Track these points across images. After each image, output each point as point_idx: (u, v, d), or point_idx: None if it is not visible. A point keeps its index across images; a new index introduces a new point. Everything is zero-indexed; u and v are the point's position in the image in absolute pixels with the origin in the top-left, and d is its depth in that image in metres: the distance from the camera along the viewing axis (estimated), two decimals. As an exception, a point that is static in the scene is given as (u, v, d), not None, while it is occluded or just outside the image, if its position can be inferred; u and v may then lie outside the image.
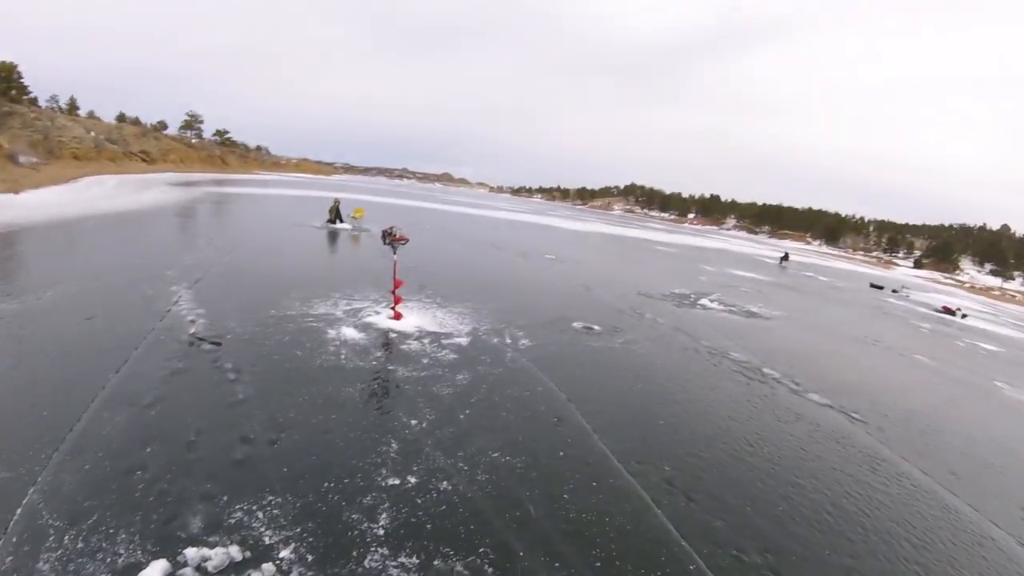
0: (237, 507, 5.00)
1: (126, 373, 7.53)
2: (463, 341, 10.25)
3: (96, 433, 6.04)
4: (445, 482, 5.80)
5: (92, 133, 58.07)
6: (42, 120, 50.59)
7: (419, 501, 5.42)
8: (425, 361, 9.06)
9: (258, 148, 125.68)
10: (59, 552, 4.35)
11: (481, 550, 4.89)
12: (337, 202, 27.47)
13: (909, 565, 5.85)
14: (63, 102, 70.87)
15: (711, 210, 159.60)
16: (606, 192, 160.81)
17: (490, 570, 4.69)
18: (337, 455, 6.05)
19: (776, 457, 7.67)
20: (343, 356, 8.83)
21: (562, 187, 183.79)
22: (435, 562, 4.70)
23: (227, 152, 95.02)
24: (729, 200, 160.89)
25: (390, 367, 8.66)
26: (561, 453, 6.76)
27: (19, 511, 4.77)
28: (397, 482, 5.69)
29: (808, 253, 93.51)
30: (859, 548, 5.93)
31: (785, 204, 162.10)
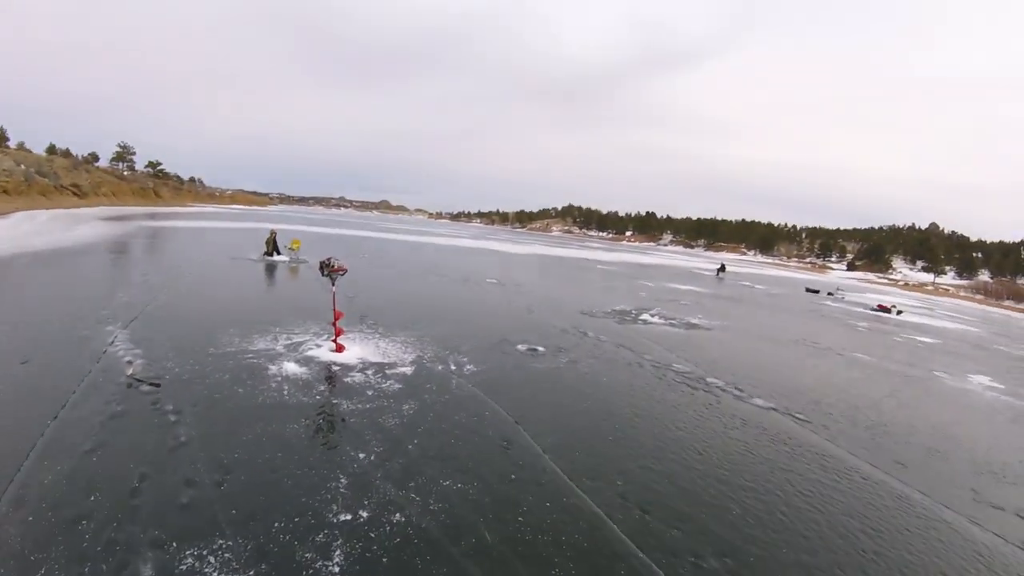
0: (187, 552, 4.90)
1: (64, 419, 7.29)
2: (407, 370, 10.25)
3: (38, 482, 5.83)
4: (398, 514, 5.79)
5: (22, 166, 56.40)
6: None
7: (373, 535, 5.39)
8: (370, 392, 9.02)
9: (192, 180, 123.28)
10: None
11: (439, 581, 4.85)
12: (273, 234, 27.05)
13: (866, 555, 6.10)
14: None
15: (648, 227, 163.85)
16: (544, 214, 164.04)
17: (451, 600, 4.71)
18: (286, 494, 5.96)
19: (726, 463, 7.90)
20: (286, 392, 8.72)
21: (501, 211, 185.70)
22: (394, 595, 4.70)
23: (160, 184, 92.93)
24: (665, 216, 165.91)
25: (334, 401, 8.60)
26: (513, 476, 6.83)
27: None
28: (349, 517, 5.66)
29: (744, 263, 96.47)
30: (815, 544, 6.16)
31: (720, 218, 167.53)
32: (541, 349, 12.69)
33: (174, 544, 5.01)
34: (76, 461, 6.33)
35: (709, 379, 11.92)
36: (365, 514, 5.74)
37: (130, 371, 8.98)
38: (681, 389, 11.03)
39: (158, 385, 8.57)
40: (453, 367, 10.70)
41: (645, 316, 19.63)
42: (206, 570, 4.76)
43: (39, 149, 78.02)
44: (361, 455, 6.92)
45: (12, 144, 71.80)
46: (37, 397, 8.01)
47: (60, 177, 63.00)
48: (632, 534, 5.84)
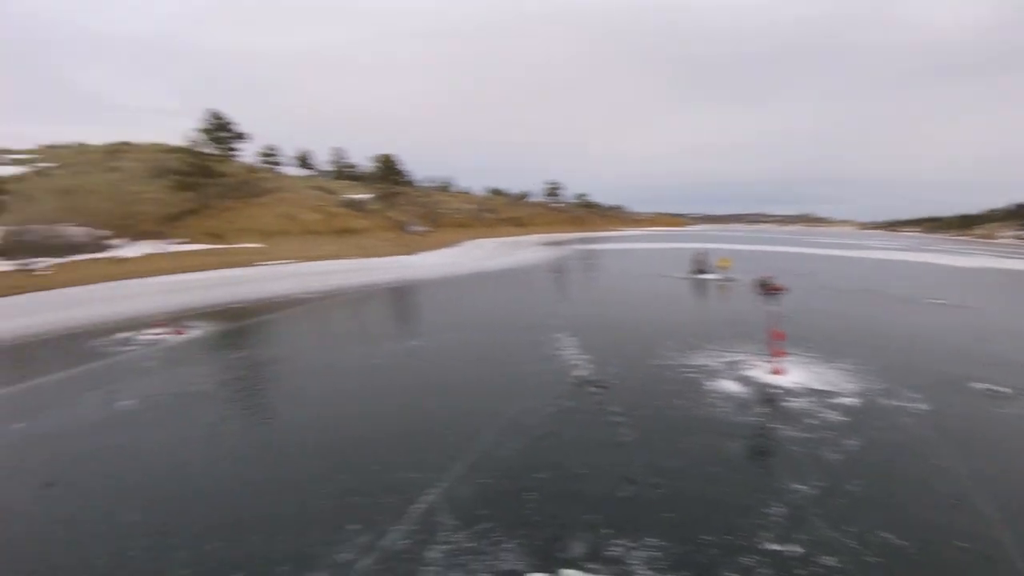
0: (617, 542, 5.05)
1: (520, 407, 8.43)
2: (850, 401, 9.17)
3: (494, 455, 6.82)
4: (830, 558, 5.06)
5: (468, 206, 68.08)
6: (424, 197, 61.74)
7: (801, 574, 4.85)
8: (810, 422, 8.27)
9: (615, 207, 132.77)
10: (448, 546, 4.96)
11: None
12: (702, 253, 27.41)
13: None
14: (439, 181, 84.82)
15: None
16: (989, 217, 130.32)
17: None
18: (718, 509, 5.73)
19: None
20: (724, 409, 8.52)
21: (937, 216, 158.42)
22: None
23: (587, 213, 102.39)
24: None
25: (772, 425, 8.09)
26: (958, 543, 5.51)
27: (419, 505, 5.62)
28: (778, 548, 5.15)
29: None
30: None
31: None
32: (1005, 391, 10.08)
33: (606, 531, 5.22)
34: (528, 443, 7.20)
35: None
36: (797, 549, 5.16)
37: (579, 373, 9.97)
38: None
39: (604, 388, 9.28)
40: (900, 403, 9.23)
41: None
42: (630, 562, 4.83)
43: (479, 191, 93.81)
44: (799, 486, 6.33)
45: (456, 189, 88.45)
46: (496, 387, 9.55)
47: (500, 212, 74.20)
48: None
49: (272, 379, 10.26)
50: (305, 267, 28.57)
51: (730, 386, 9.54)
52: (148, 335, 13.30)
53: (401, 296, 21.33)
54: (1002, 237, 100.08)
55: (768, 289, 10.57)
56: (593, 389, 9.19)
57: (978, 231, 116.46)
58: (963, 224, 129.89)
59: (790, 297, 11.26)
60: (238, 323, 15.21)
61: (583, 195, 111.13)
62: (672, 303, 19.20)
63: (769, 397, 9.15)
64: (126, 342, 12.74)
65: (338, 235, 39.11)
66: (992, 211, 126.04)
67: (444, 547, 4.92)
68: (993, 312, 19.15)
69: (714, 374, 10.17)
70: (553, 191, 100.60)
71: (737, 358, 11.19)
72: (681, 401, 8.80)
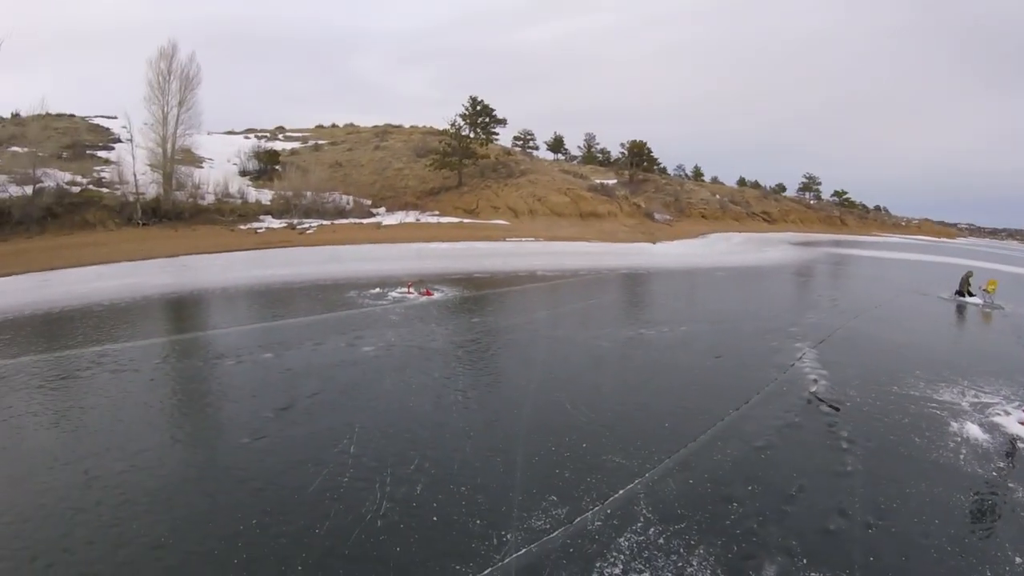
0: (811, 573, 4.92)
1: (744, 413, 8.40)
2: (1106, 470, 7.85)
3: (706, 456, 6.92)
4: None
5: (716, 196, 65.86)
6: (672, 185, 60.96)
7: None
8: (1054, 485, 7.25)
9: (877, 208, 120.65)
10: (640, 538, 5.18)
11: None
12: (970, 273, 24.14)
13: None
14: (688, 171, 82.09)
15: None
16: None
17: None
18: (928, 565, 5.31)
19: None
20: (962, 456, 7.68)
21: None
22: None
23: (845, 213, 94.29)
24: None
25: (1010, 484, 7.18)
26: None
27: (621, 492, 5.91)
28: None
29: None
30: None
31: None
32: None
33: (804, 560, 5.08)
34: (745, 451, 7.18)
35: None
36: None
37: (813, 388, 9.63)
38: None
39: (838, 409, 8.87)
40: None
41: None
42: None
43: (731, 182, 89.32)
44: (1018, 559, 5.58)
45: (707, 179, 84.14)
46: (723, 388, 9.50)
47: (751, 205, 70.60)
48: None
49: (502, 347, 11.15)
50: (548, 246, 29.91)
51: (974, 431, 8.56)
52: (398, 293, 14.97)
53: (636, 283, 21.65)
54: None
55: None
56: (825, 409, 8.82)
57: None
58: None
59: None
60: (479, 291, 16.56)
61: (842, 192, 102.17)
62: (926, 325, 17.40)
63: (1013, 451, 8.11)
64: (377, 297, 14.51)
65: (582, 218, 40.19)
66: None
67: (634, 538, 5.16)
68: None
69: (959, 415, 9.16)
70: (809, 186, 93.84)
71: (988, 400, 9.96)
72: (919, 439, 8.11)
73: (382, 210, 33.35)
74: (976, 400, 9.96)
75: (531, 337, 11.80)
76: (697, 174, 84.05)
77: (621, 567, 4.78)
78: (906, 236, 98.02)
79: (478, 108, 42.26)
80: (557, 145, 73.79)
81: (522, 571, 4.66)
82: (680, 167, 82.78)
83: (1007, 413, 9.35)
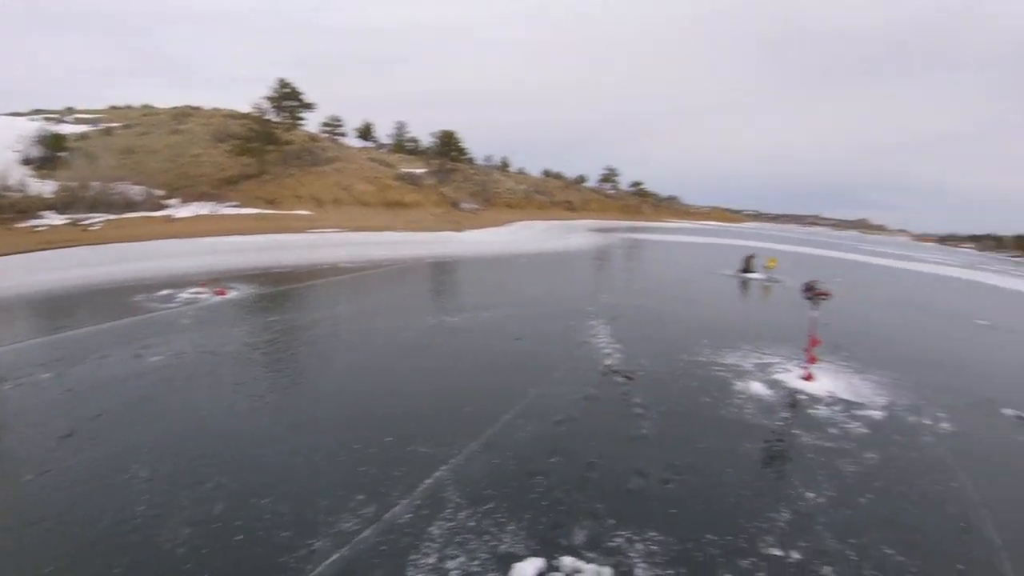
0: (619, 533, 5.12)
1: (544, 391, 8.54)
2: (876, 415, 9.00)
3: (509, 435, 6.94)
4: (828, 568, 5.05)
5: (522, 186, 68.08)
6: (480, 175, 62.21)
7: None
8: (832, 431, 8.17)
9: (670, 198, 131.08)
10: (451, 523, 5.07)
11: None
12: (752, 255, 26.92)
13: None
14: (496, 161, 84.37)
15: None
16: None
17: None
18: (725, 509, 5.74)
19: None
20: (747, 411, 8.47)
21: (995, 235, 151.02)
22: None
23: (641, 202, 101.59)
24: None
25: (794, 431, 8.01)
26: (959, 567, 5.40)
27: (429, 480, 5.75)
28: (779, 554, 5.13)
29: None
30: None
31: None
32: None
33: (610, 521, 5.29)
34: (547, 427, 7.30)
35: None
36: (795, 555, 5.14)
37: (608, 362, 10.02)
38: None
39: (631, 378, 9.31)
40: (926, 421, 9.03)
41: None
42: (630, 554, 4.90)
43: (536, 173, 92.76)
44: (809, 494, 6.27)
45: (514, 169, 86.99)
46: (523, 368, 9.63)
47: (554, 195, 74.04)
48: None
49: (303, 345, 10.51)
50: (353, 237, 29.01)
51: (758, 388, 9.47)
52: (189, 293, 13.75)
53: (443, 272, 21.61)
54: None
55: (813, 293, 10.43)
56: (619, 379, 9.21)
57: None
58: (1021, 245, 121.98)
59: (835, 304, 11.08)
60: (278, 287, 15.62)
61: (638, 183, 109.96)
62: (712, 299, 19.09)
63: (794, 403, 9.08)
64: (167, 299, 13.19)
65: (389, 207, 39.53)
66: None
67: (445, 524, 5.03)
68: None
69: (743, 375, 10.10)
70: (608, 177, 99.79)
71: (770, 360, 11.08)
72: (707, 399, 8.78)
73: (176, 201, 30.19)
74: (759, 361, 11.00)
75: (333, 332, 11.29)
76: (504, 165, 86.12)
77: (435, 556, 4.61)
78: (697, 222, 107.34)
79: (286, 91, 39.65)
80: (366, 132, 71.98)
81: (337, 573, 4.38)
82: (488, 157, 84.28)
83: (787, 370, 10.40)
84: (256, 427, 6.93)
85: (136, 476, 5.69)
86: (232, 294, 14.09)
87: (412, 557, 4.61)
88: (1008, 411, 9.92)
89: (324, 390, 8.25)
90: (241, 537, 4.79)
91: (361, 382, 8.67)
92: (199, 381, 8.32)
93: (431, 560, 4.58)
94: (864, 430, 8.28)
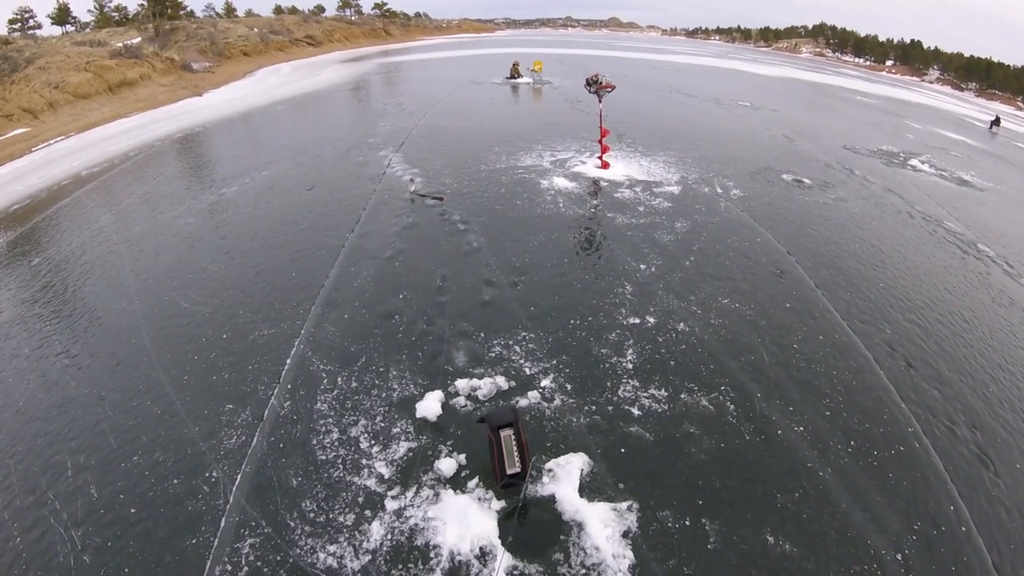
0: (495, 343, 5.48)
1: (360, 232, 8.25)
2: (674, 189, 10.07)
3: (347, 286, 6.72)
4: (681, 323, 5.92)
5: (255, 30, 61.56)
6: (204, 28, 54.59)
7: (660, 340, 5.61)
8: (641, 209, 9.05)
9: (418, 15, 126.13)
10: (334, 392, 4.94)
11: (722, 388, 5.06)
12: (516, 63, 27.28)
13: None
14: (219, 7, 74.69)
15: (911, 58, 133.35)
16: (791, 32, 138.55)
17: (732, 407, 4.84)
18: (577, 295, 6.36)
19: (990, 339, 6.75)
20: (561, 204, 9.04)
21: (743, 28, 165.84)
22: (681, 395, 4.92)
23: (388, 23, 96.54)
24: (932, 48, 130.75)
25: (608, 214, 8.76)
26: (787, 305, 6.59)
27: (289, 361, 5.36)
28: (637, 321, 5.89)
29: (1021, 120, 70.67)
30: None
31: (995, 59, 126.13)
32: (807, 182, 11.61)
33: (481, 335, 5.61)
34: (381, 266, 7.19)
35: (980, 245, 9.91)
36: (652, 320, 5.95)
37: (412, 188, 9.76)
38: (951, 250, 9.48)
39: (441, 199, 9.32)
40: (719, 190, 10.32)
41: (914, 162, 16.73)
42: (513, 358, 5.30)
43: (267, 12, 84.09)
44: (642, 266, 7.08)
45: (240, 13, 78.20)
46: (329, 216, 9.01)
47: (293, 32, 67.77)
48: (896, 384, 5.34)
49: (79, 277, 8.48)
50: (85, 138, 24.61)
51: (562, 183, 10.07)
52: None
53: (197, 143, 18.70)
54: (804, 52, 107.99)
55: (598, 87, 10.82)
56: (430, 202, 9.23)
57: (782, 45, 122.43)
58: (766, 37, 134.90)
59: (607, 96, 11.63)
60: (23, 227, 12.41)
61: (382, 3, 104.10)
62: (490, 109, 19.22)
63: (599, 190, 9.84)
64: None
65: (114, 92, 34.27)
66: (794, 28, 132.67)
67: (329, 396, 4.89)
68: (795, 116, 21.06)
69: (545, 173, 10.62)
70: (348, 3, 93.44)
71: (564, 156, 11.70)
72: (520, 201, 9.20)
73: None
74: (554, 158, 11.58)
75: (107, 250, 9.30)
76: (230, 9, 76.87)
77: (336, 431, 4.49)
78: (450, 36, 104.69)
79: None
80: (63, 16, 60.63)
81: (252, 494, 4.02)
82: (209, 6, 74.51)
83: (583, 163, 11.12)
84: (81, 388, 5.58)
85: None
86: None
87: (313, 441, 4.42)
88: (786, 176, 11.56)
89: (131, 313, 6.88)
90: (133, 511, 4.38)
91: (166, 290, 7.22)
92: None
93: (334, 436, 4.45)
94: (668, 204, 9.30)
